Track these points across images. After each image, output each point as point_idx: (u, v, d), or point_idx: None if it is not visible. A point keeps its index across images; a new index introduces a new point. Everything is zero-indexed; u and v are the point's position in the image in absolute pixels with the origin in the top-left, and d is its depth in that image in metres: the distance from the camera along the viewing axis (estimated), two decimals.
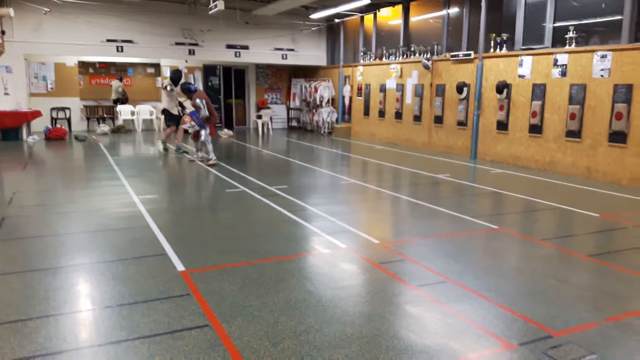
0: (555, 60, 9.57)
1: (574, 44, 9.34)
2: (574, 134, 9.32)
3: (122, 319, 3.43)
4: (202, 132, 10.21)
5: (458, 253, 4.93)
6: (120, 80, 17.45)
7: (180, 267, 4.41)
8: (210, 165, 9.95)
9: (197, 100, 10.00)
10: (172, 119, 11.98)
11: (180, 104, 12.06)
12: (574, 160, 9.37)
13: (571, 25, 9.43)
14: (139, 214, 6.21)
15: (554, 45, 10.00)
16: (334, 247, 5.04)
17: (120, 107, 17.12)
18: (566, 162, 9.53)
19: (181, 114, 11.67)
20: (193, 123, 10.16)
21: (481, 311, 3.63)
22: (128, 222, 5.91)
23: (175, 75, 11.84)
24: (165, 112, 12.12)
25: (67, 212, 6.36)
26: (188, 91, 10.29)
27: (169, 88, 11.73)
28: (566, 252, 5.06)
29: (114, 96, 17.27)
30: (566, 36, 9.43)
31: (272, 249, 4.95)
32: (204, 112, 9.99)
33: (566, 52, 9.40)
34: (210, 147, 10.17)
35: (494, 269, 4.52)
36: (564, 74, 9.45)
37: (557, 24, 9.97)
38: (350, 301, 3.74)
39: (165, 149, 12.04)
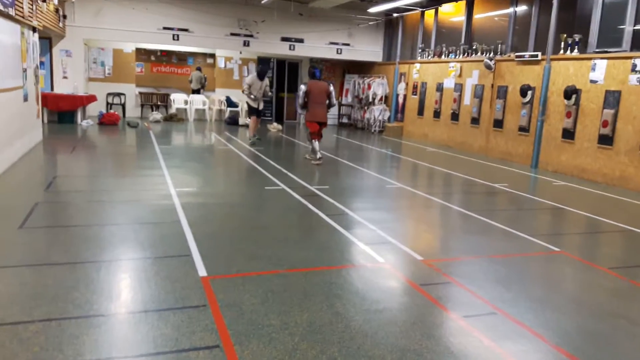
0: (634, 66, 8.66)
1: None
2: None
3: (129, 329, 3.12)
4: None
5: (512, 278, 4.37)
6: (200, 70, 17.77)
7: (202, 271, 4.08)
8: (316, 164, 9.66)
9: (301, 86, 9.88)
10: (252, 111, 12.10)
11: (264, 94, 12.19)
12: None
13: None
14: (172, 208, 5.97)
15: (632, 49, 9.08)
16: (371, 261, 4.59)
17: (174, 96, 17.23)
18: (639, 177, 8.63)
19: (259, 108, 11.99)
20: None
21: (536, 354, 3.09)
22: (160, 216, 5.66)
23: (262, 70, 11.98)
24: (247, 104, 12.23)
25: (102, 201, 6.20)
26: (310, 75, 10.09)
27: (246, 84, 11.80)
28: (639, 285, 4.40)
29: (195, 86, 17.63)
30: None
31: (303, 257, 4.55)
32: (299, 100, 9.76)
33: None
34: (314, 145, 9.78)
35: (552, 301, 3.94)
36: None
37: (639, 27, 9.03)
38: (383, 330, 3.28)
39: (254, 142, 12.08)
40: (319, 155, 9.72)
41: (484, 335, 3.30)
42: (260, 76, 11.77)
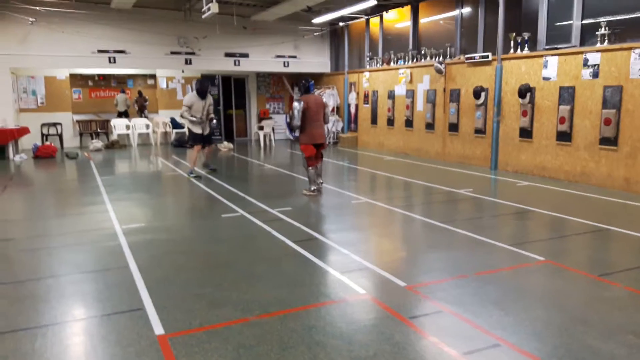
0: (586, 60, 8.64)
1: (606, 41, 8.41)
2: (609, 141, 8.36)
3: None
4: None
5: (506, 298, 3.98)
6: (123, 92, 17.31)
7: (159, 329, 3.47)
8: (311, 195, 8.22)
9: (294, 104, 8.09)
10: (195, 138, 9.99)
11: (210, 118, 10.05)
12: (610, 170, 8.41)
13: (603, 21, 8.50)
14: (119, 250, 5.29)
15: (582, 43, 9.08)
16: (351, 293, 4.10)
17: (114, 121, 16.29)
18: (600, 172, 8.57)
19: (205, 133, 9.93)
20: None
21: None
22: (104, 262, 4.99)
23: (202, 86, 9.73)
24: (188, 130, 10.11)
25: (36, 250, 5.45)
26: (304, 89, 8.32)
27: (185, 105, 9.73)
28: (638, 292, 4.11)
29: (121, 108, 17.03)
30: (597, 33, 8.51)
31: (274, 297, 4.01)
32: (295, 122, 7.97)
33: (598, 51, 8.46)
34: (309, 173, 8.28)
35: (555, 322, 3.57)
36: (596, 75, 8.51)
37: (586, 21, 9.04)
38: None
39: (198, 176, 9.97)
40: (315, 186, 8.28)
41: None
42: (201, 94, 9.67)
